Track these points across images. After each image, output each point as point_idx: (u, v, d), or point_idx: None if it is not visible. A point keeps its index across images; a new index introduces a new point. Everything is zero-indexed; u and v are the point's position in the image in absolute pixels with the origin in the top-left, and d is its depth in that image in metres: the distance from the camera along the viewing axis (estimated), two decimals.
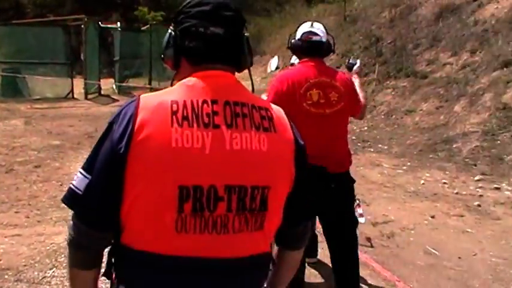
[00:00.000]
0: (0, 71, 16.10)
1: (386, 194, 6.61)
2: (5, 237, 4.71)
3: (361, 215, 3.65)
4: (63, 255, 4.21)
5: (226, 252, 1.27)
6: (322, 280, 4.04)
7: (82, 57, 17.10)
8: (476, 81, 10.10)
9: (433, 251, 4.81)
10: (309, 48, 3.11)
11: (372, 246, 4.79)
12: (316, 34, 3.13)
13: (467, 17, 12.19)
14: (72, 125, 11.43)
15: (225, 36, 1.31)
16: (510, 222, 5.65)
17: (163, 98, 1.25)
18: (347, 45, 15.07)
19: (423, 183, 7.06)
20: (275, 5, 22.57)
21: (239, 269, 1.30)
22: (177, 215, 1.20)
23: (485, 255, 4.75)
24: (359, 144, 9.61)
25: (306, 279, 3.73)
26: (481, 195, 6.53)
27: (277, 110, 1.36)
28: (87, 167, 1.26)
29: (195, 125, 1.21)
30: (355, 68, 3.67)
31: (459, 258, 4.66)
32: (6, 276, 3.89)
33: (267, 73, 18.96)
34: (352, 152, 3.42)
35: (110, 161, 1.21)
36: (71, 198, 1.28)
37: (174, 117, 1.21)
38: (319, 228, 3.43)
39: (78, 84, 16.70)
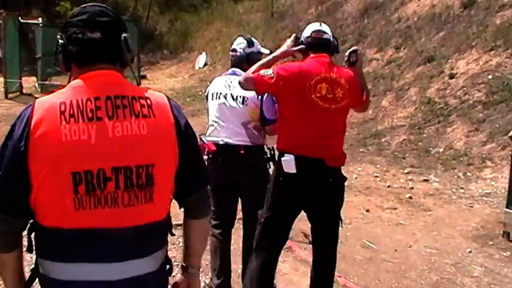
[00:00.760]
0: None
1: None
2: None
3: None
4: None
5: (119, 222, 1.49)
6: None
7: (1, 54, 16.02)
8: (402, 76, 10.42)
9: (371, 244, 4.86)
10: (319, 45, 3.20)
11: (310, 243, 4.75)
12: (325, 32, 3.24)
13: (391, 14, 12.57)
14: None
15: (101, 40, 1.53)
16: (440, 213, 5.84)
17: (53, 100, 1.48)
18: (275, 42, 15.07)
19: (356, 178, 7.15)
20: (202, 1, 22.35)
21: (133, 236, 1.52)
22: (74, 196, 1.44)
23: (420, 246, 4.86)
24: None
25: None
26: (411, 188, 6.71)
27: (157, 97, 1.58)
28: None
29: (80, 120, 1.45)
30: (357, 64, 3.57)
31: (395, 250, 4.74)
32: None
33: (195, 69, 18.82)
34: None
35: (14, 158, 1.45)
36: None
37: (62, 116, 1.44)
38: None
39: None
